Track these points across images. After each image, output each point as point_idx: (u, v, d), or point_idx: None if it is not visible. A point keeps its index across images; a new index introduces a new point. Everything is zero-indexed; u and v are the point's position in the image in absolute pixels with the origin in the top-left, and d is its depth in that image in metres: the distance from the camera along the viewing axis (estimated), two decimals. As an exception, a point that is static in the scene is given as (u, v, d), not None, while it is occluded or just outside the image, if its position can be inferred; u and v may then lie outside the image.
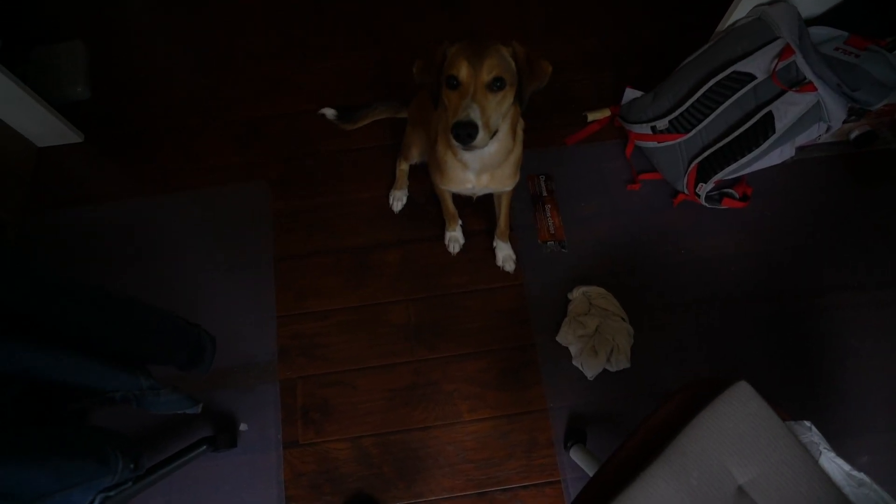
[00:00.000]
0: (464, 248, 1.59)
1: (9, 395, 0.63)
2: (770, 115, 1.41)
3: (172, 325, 0.97)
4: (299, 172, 1.67)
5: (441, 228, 1.59)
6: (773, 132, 1.42)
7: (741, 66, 1.43)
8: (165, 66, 1.89)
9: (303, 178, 1.67)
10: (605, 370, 1.43)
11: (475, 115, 0.94)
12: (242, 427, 1.41)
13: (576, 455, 1.30)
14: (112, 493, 0.70)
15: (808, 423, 0.92)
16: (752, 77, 1.42)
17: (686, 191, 1.57)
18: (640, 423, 0.89)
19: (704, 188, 1.53)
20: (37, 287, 0.69)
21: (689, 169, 1.54)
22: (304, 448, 1.39)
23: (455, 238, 1.58)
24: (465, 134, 0.95)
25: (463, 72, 0.96)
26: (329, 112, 1.72)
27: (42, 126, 1.66)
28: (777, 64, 1.39)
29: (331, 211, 1.65)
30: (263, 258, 1.59)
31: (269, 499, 1.34)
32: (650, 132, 1.59)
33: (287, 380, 1.45)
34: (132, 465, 0.72)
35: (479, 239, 1.61)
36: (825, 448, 0.88)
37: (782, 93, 1.40)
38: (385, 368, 1.44)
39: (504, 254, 1.57)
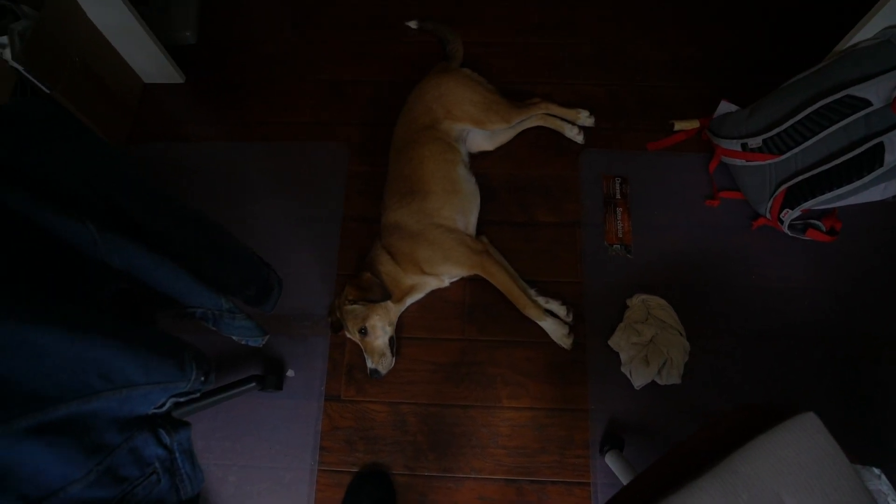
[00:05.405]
0: (528, 238, 1.58)
1: (111, 287, 0.68)
2: (880, 147, 1.32)
3: (249, 258, 1.02)
4: (378, 139, 1.70)
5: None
6: (881, 165, 1.33)
7: (856, 91, 1.33)
8: (266, 23, 1.97)
9: (381, 145, 1.71)
10: (652, 382, 1.39)
11: (371, 363, 1.38)
12: (290, 373, 1.47)
13: (611, 460, 1.28)
14: (182, 400, 0.75)
15: (877, 471, 0.87)
16: (867, 103, 1.32)
17: (768, 215, 1.50)
18: (692, 435, 0.86)
19: (790, 215, 1.45)
20: (151, 197, 0.74)
21: (776, 193, 1.46)
22: (344, 404, 1.44)
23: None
24: (377, 377, 1.39)
25: (349, 335, 1.41)
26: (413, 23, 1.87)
27: (151, 63, 1.77)
28: (898, 93, 1.29)
29: (402, 181, 1.67)
30: (333, 216, 1.64)
31: (305, 445, 1.40)
32: (740, 149, 1.52)
33: (337, 336, 1.49)
34: (202, 378, 0.76)
35: (544, 230, 1.59)
36: (893, 500, 0.83)
37: (899, 124, 1.30)
38: (433, 342, 1.46)
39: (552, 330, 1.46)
